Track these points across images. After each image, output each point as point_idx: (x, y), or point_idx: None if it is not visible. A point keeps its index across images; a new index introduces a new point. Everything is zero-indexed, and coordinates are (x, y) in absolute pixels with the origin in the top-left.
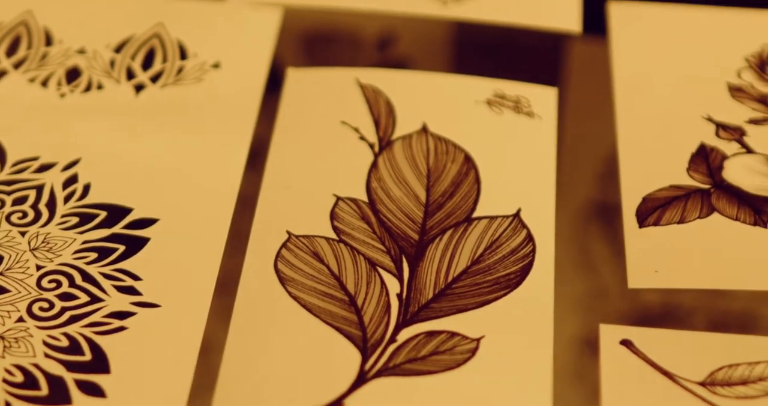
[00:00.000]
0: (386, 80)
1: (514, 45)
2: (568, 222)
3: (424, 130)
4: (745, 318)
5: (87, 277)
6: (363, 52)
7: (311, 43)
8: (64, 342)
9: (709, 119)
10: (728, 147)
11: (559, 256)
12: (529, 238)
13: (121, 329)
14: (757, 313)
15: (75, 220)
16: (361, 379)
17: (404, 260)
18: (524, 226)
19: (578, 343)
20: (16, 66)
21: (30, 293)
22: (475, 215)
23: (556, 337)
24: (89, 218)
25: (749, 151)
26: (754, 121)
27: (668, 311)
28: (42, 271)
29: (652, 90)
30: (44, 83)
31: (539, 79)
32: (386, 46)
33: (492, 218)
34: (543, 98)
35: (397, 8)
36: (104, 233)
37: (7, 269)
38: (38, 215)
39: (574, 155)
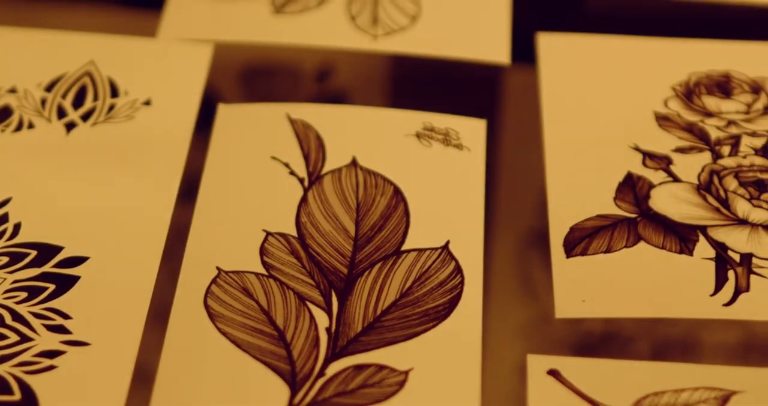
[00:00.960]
0: (316, 115)
1: (445, 77)
2: (498, 253)
3: (354, 164)
4: (685, 345)
5: (17, 316)
6: (300, 85)
7: (246, 78)
8: None
9: (636, 149)
10: (655, 176)
11: (489, 287)
12: (458, 270)
13: (51, 367)
14: (696, 339)
15: (5, 259)
16: None
17: (333, 294)
18: (453, 258)
19: (508, 373)
20: None
21: None
22: (404, 247)
23: (487, 367)
24: (19, 257)
25: (676, 179)
26: (680, 150)
27: (603, 338)
28: None
29: (580, 120)
30: None
31: (470, 111)
32: (324, 78)
33: (421, 251)
34: (472, 130)
35: (327, 43)
36: (34, 272)
37: None
38: None
39: (504, 186)
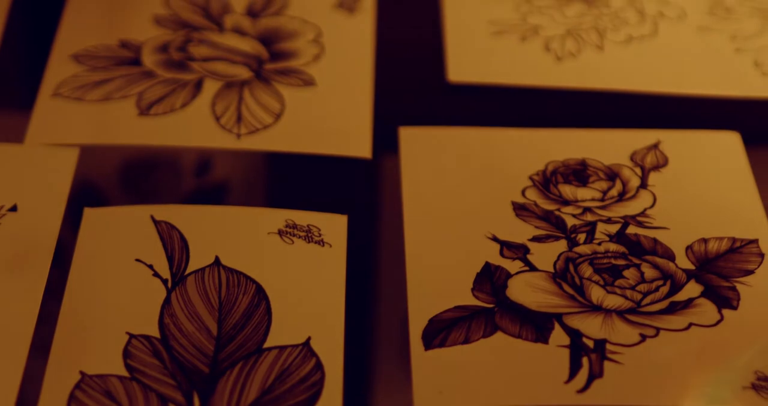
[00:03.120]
0: (180, 215)
1: (309, 173)
2: (359, 347)
3: (217, 263)
4: None
5: None
6: (170, 183)
7: (118, 178)
8: None
9: (494, 239)
10: (512, 265)
11: (350, 381)
12: (318, 366)
13: None
14: None
15: None
16: None
17: (195, 394)
18: (314, 354)
19: None
20: None
21: None
22: (266, 345)
23: None
24: None
25: (532, 268)
26: (537, 239)
27: None
28: None
29: (439, 211)
30: None
31: (334, 206)
32: (201, 174)
33: (282, 348)
34: (334, 226)
35: (193, 143)
36: None
37: None
38: None
39: (366, 279)
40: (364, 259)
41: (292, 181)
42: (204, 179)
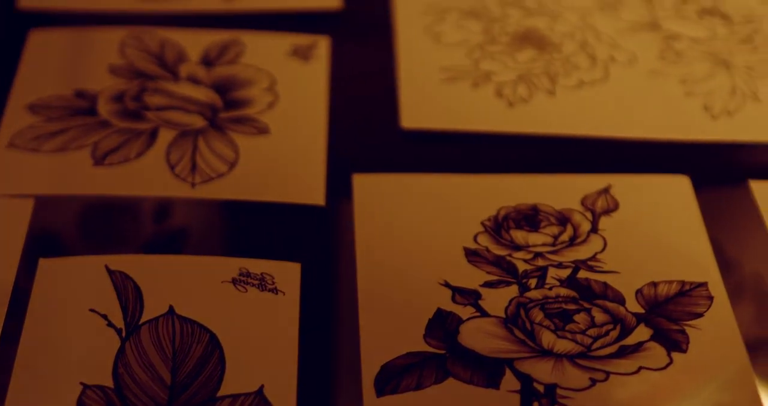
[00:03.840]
0: (135, 265)
1: (264, 221)
2: (312, 395)
3: (171, 313)
4: None
5: None
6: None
7: (78, 226)
8: None
9: (446, 285)
10: (464, 311)
11: None
12: None
13: None
14: None
15: None
16: None
17: None
18: (267, 402)
19: None
20: None
21: None
22: (220, 394)
23: None
24: None
25: (484, 314)
26: (488, 285)
27: None
28: None
29: (392, 258)
30: None
31: (288, 254)
32: (158, 221)
33: (236, 397)
34: (287, 274)
35: (148, 192)
36: None
37: None
38: None
39: (319, 326)
40: (317, 306)
41: (246, 229)
42: (160, 227)
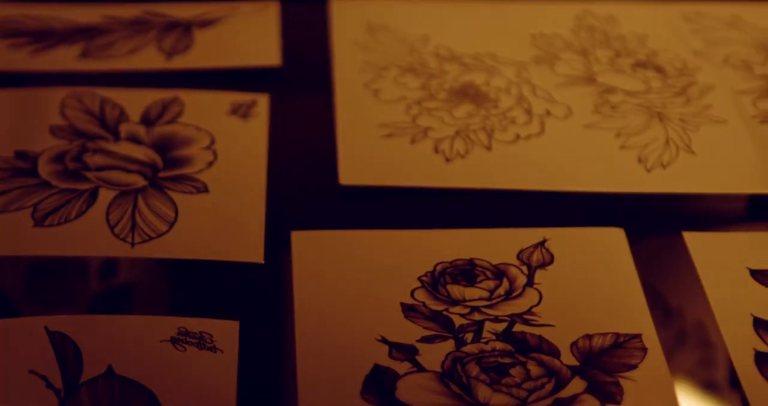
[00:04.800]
0: (74, 325)
1: (204, 279)
2: None
3: (110, 372)
4: None
5: None
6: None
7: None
8: None
9: (383, 340)
10: (401, 367)
11: None
12: None
13: None
14: None
15: None
16: None
17: None
18: None
19: None
20: None
21: None
22: None
23: None
24: None
25: (421, 369)
26: (425, 340)
27: None
28: None
29: (331, 314)
30: None
31: (228, 311)
32: (101, 280)
33: None
34: (225, 332)
35: (87, 252)
36: None
37: None
38: None
39: (257, 383)
40: (256, 364)
41: (186, 287)
42: (102, 286)
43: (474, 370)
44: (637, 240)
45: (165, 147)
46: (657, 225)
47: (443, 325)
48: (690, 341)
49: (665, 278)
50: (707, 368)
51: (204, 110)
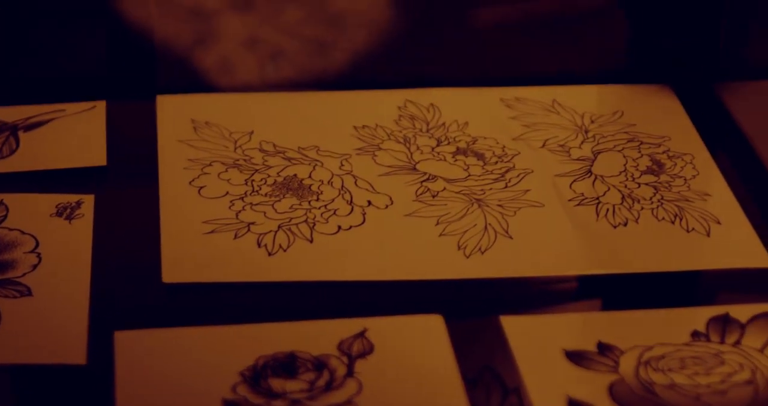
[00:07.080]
0: None
1: (26, 383)
2: None
3: None
4: None
5: None
6: None
7: None
8: None
9: None
10: None
11: None
12: None
13: None
14: None
15: None
16: None
17: None
18: None
19: None
20: None
21: None
22: None
23: None
24: None
25: None
26: None
27: None
28: None
29: None
30: None
31: None
32: None
33: None
34: None
35: None
36: None
37: None
38: None
39: None
40: None
41: (8, 391)
42: None
43: None
44: (455, 326)
45: None
46: (475, 310)
47: None
48: None
49: (483, 362)
50: None
51: (29, 213)
